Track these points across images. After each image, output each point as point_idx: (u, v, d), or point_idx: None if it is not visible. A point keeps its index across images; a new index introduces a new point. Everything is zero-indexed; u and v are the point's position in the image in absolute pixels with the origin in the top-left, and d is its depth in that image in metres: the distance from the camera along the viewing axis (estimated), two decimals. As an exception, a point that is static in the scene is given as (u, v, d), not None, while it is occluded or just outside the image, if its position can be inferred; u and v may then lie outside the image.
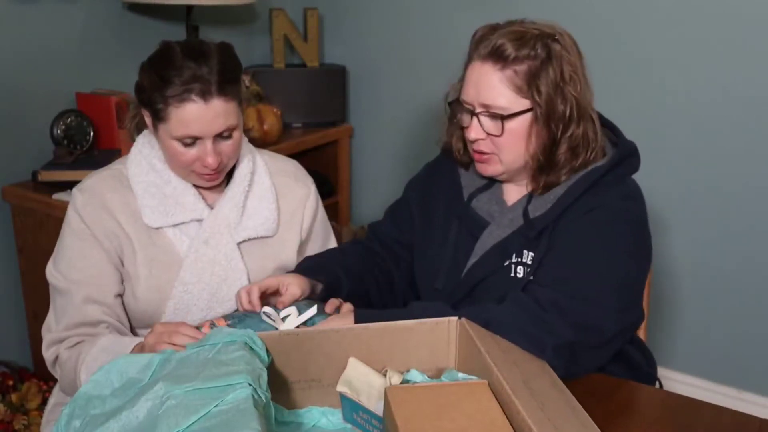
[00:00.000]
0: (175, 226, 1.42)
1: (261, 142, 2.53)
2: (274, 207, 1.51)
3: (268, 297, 1.34)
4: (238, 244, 1.46)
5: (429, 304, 1.30)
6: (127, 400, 1.00)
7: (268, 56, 2.94)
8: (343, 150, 3.03)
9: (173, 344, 1.13)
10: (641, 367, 1.46)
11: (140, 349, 1.21)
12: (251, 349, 1.07)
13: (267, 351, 1.10)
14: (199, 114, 1.32)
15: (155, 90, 1.33)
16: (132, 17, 2.44)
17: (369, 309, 1.31)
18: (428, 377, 1.19)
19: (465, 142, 1.42)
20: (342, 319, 1.27)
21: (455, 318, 1.19)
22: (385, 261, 1.55)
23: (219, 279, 1.43)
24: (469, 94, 1.34)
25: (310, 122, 2.89)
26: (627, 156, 1.38)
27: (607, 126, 1.43)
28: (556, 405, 1.04)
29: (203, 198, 1.46)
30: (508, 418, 1.02)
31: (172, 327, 1.18)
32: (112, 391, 1.05)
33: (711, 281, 2.44)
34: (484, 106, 1.32)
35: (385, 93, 2.99)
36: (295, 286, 1.35)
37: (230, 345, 1.06)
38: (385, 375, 1.15)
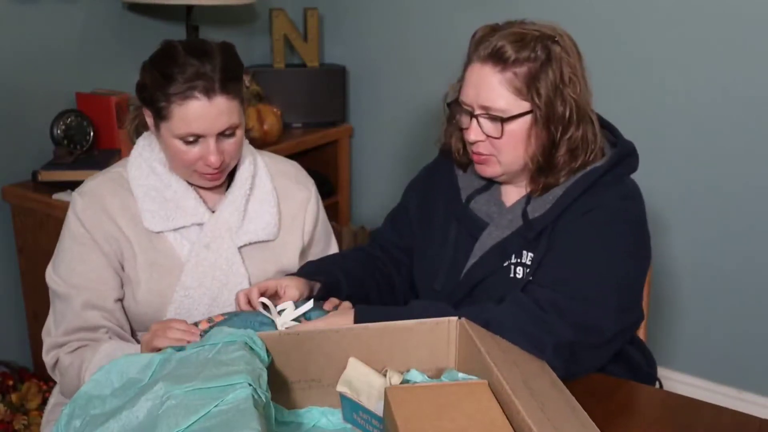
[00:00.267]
0: (175, 230, 1.41)
1: (261, 142, 2.53)
2: (275, 211, 1.50)
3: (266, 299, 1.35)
4: (239, 248, 1.45)
5: (430, 303, 1.30)
6: (127, 400, 1.00)
7: (268, 56, 2.94)
8: (343, 150, 3.03)
9: (168, 338, 1.15)
10: (641, 367, 1.45)
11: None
12: (251, 349, 1.07)
13: (267, 351, 1.10)
14: (203, 111, 1.31)
15: (158, 88, 1.31)
16: (132, 17, 2.44)
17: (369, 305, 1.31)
18: (428, 377, 1.19)
19: (464, 142, 1.42)
20: (341, 316, 1.27)
21: (455, 318, 1.19)
22: (386, 265, 1.55)
23: (220, 283, 1.42)
24: (469, 96, 1.33)
25: (310, 122, 2.90)
26: (625, 156, 1.38)
27: (606, 126, 1.43)
28: (556, 405, 1.04)
29: (204, 202, 1.45)
30: (508, 418, 1.02)
31: (166, 323, 1.20)
32: (112, 391, 1.05)
33: (711, 281, 2.44)
34: (484, 108, 1.32)
35: (385, 93, 2.99)
36: (293, 288, 1.35)
37: (230, 345, 1.06)
38: (385, 375, 1.15)
